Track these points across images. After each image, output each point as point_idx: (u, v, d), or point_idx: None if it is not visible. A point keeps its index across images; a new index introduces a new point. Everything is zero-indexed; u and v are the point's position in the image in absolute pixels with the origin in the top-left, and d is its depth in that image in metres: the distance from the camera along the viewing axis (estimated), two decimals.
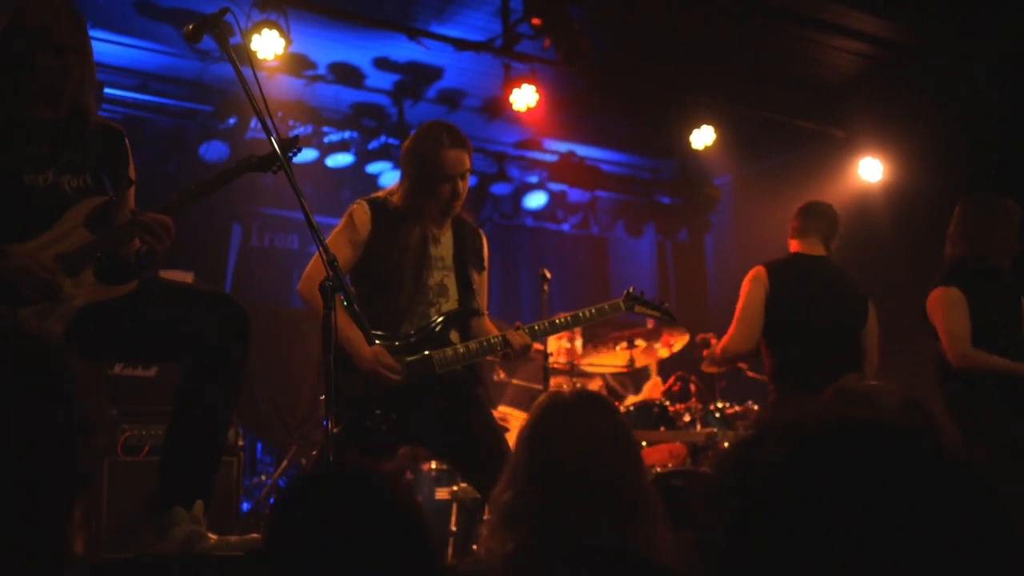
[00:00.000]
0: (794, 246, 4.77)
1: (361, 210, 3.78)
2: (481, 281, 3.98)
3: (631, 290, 4.27)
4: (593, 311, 4.05)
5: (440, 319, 3.75)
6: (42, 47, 3.06)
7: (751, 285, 4.61)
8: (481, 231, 4.08)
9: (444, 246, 3.85)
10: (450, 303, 3.81)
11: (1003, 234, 4.51)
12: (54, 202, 3.09)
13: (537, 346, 4.58)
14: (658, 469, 5.10)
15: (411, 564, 1.38)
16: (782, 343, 4.54)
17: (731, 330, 4.63)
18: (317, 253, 3.42)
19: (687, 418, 5.65)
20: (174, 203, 3.22)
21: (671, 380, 6.34)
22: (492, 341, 3.75)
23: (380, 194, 3.92)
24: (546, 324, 3.94)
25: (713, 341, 5.16)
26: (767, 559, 0.87)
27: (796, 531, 0.86)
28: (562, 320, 3.95)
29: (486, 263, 4.03)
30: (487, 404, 3.94)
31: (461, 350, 3.71)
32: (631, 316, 4.65)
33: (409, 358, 3.64)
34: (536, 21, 6.55)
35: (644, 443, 5.42)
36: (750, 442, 0.96)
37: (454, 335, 3.78)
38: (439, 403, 3.68)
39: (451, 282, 3.83)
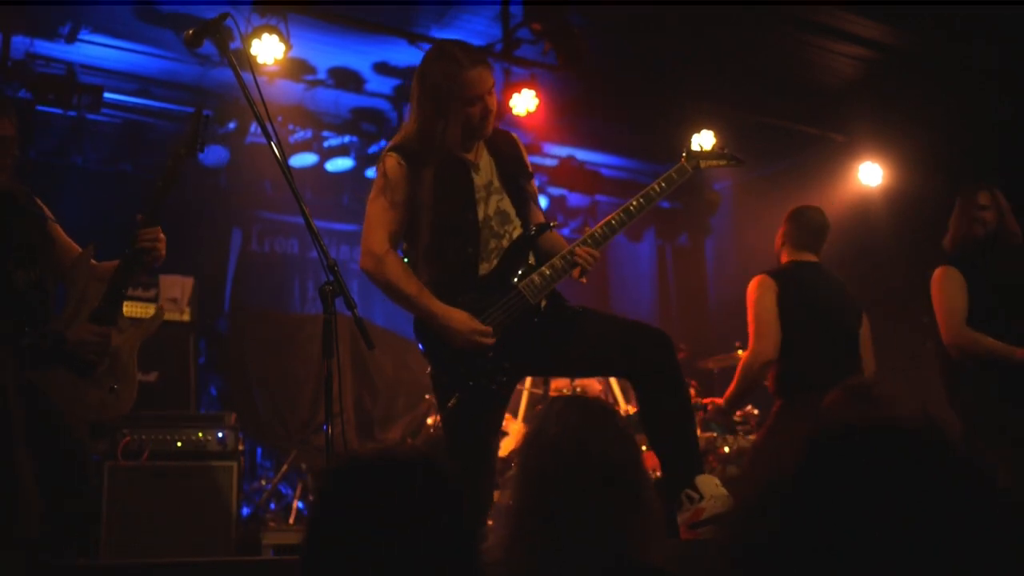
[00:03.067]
0: (787, 255, 4.74)
1: (394, 163, 3.37)
2: (532, 188, 3.67)
3: (690, 147, 3.85)
4: (661, 184, 3.65)
5: (511, 250, 3.43)
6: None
7: (760, 291, 4.56)
8: (512, 134, 3.72)
9: (485, 170, 3.50)
10: (515, 227, 3.50)
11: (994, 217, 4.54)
12: (19, 301, 3.24)
13: None
14: (658, 473, 5.08)
15: (454, 547, 1.39)
16: (788, 350, 4.50)
17: (752, 342, 4.54)
18: (368, 214, 3.39)
19: None
20: (147, 219, 3.34)
21: None
22: (569, 257, 3.42)
23: (403, 134, 3.48)
24: (602, 228, 3.50)
25: (709, 403, 5.09)
26: (797, 561, 0.88)
27: (828, 532, 0.88)
28: (618, 217, 3.52)
29: (529, 167, 3.69)
30: (588, 310, 3.56)
31: (547, 272, 3.40)
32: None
33: (499, 301, 3.36)
34: (536, 26, 6.56)
35: (644, 447, 5.42)
36: (782, 449, 0.97)
37: (531, 260, 3.46)
38: (543, 327, 3.40)
39: (508, 205, 3.50)
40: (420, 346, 3.41)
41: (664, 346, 3.41)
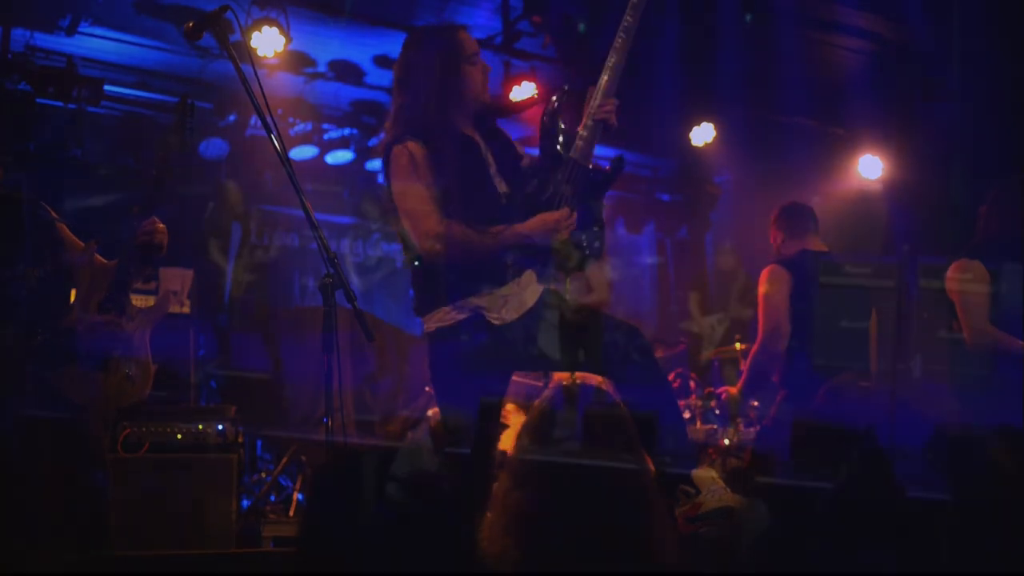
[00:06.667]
0: (793, 246, 4.68)
1: (417, 147, 3.36)
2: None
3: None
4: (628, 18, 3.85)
5: (545, 124, 3.66)
6: None
7: (772, 282, 4.50)
8: (500, 128, 3.82)
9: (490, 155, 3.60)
10: None
11: None
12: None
13: None
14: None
15: (452, 541, 1.39)
16: (798, 341, 4.44)
17: (762, 332, 4.47)
18: (409, 204, 3.36)
19: (687, 415, 5.65)
20: (142, 210, 3.37)
21: (670, 377, 6.34)
22: (594, 118, 3.63)
23: (409, 117, 3.48)
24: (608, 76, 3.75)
25: (723, 392, 5.07)
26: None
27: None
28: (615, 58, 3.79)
29: (522, 151, 3.81)
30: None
31: (585, 133, 3.63)
32: None
33: (559, 178, 3.52)
34: (536, 19, 6.55)
35: None
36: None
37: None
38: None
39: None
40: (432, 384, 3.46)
41: (636, 341, 3.42)
